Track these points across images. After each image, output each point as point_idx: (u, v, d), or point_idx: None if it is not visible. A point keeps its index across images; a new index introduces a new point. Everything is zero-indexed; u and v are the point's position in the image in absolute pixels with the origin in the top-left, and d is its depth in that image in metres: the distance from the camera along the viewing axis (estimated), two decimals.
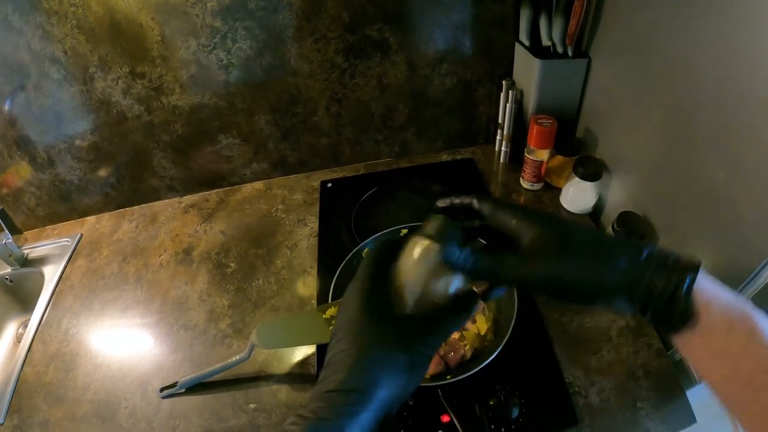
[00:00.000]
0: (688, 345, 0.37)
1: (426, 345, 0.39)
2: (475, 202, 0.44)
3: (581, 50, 0.94)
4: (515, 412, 0.70)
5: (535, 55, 0.93)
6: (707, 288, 0.36)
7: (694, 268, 0.35)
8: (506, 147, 1.12)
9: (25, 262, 1.08)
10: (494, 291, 0.43)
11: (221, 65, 0.97)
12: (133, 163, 1.11)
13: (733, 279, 0.62)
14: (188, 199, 1.20)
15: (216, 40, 0.93)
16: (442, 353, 0.75)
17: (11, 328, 1.11)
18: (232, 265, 1.00)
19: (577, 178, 0.95)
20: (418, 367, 0.38)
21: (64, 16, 0.87)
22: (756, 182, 0.57)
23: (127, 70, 0.95)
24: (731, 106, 0.59)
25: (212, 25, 0.91)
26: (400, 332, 0.38)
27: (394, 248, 0.44)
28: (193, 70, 0.97)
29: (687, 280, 0.34)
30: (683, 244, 0.75)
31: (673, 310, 0.35)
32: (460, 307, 0.41)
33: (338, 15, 0.93)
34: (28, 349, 0.91)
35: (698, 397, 0.73)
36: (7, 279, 1.08)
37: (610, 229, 0.84)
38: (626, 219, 0.84)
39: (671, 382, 0.72)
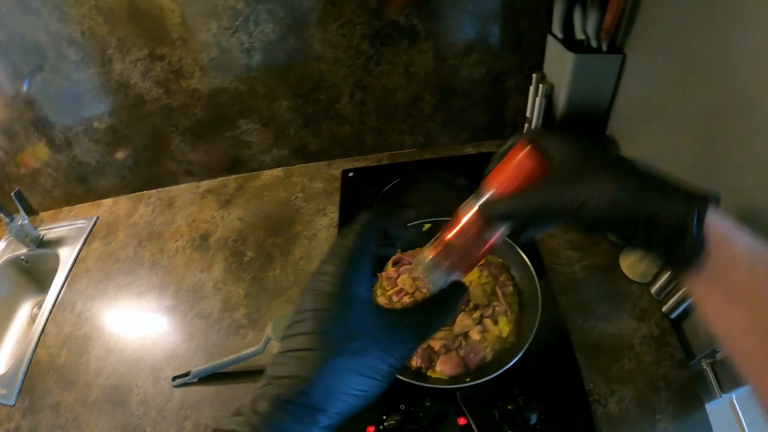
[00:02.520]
0: (701, 288, 0.34)
1: (405, 350, 0.35)
2: (517, 137, 0.42)
3: (616, 45, 0.90)
4: (533, 419, 0.69)
5: (569, 49, 0.89)
6: (724, 224, 0.33)
7: (706, 198, 0.33)
8: None
9: (40, 243, 1.08)
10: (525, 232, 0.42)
11: (243, 48, 0.94)
12: (151, 146, 1.10)
13: None
14: (206, 184, 1.18)
15: (238, 22, 0.91)
16: (463, 354, 0.73)
17: (26, 307, 1.11)
18: (249, 253, 0.99)
19: None
20: (392, 375, 0.34)
21: None
22: None
23: (146, 52, 0.94)
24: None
25: (234, 8, 0.89)
26: (376, 335, 0.34)
27: (382, 218, 0.40)
28: (213, 53, 0.95)
29: (698, 210, 0.32)
30: None
31: (683, 242, 0.32)
32: (446, 301, 0.39)
33: None
34: (42, 331, 0.91)
35: (717, 411, 0.71)
36: (22, 259, 1.08)
37: None
38: None
39: (691, 394, 0.70)
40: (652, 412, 0.68)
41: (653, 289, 0.83)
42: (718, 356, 0.71)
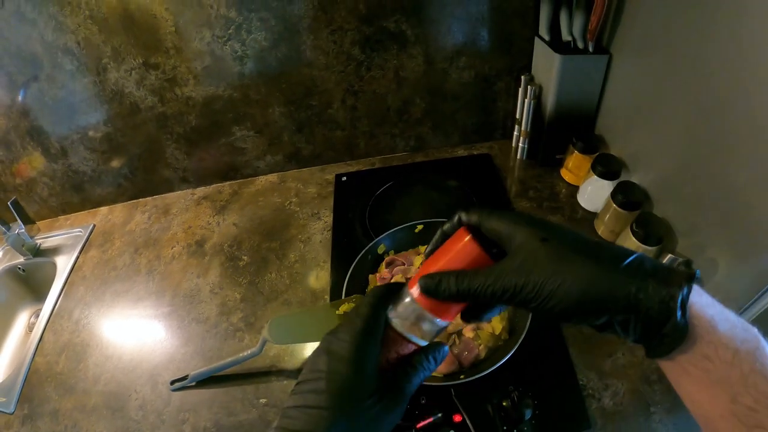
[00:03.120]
0: (680, 372, 0.32)
1: (402, 412, 0.38)
2: (462, 216, 0.40)
3: (602, 46, 0.92)
4: (528, 414, 0.69)
5: (555, 50, 0.91)
6: (706, 304, 0.31)
7: (689, 279, 0.30)
8: (524, 143, 1.10)
9: (37, 252, 1.08)
10: (484, 314, 0.41)
11: (236, 56, 0.96)
12: (146, 154, 1.10)
13: (755, 287, 0.60)
14: (201, 190, 1.19)
15: (230, 31, 0.92)
16: (456, 352, 0.74)
17: (23, 317, 1.11)
18: (245, 258, 1.00)
19: (596, 177, 0.94)
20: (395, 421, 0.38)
21: (78, 7, 0.86)
22: None
23: (141, 61, 0.95)
24: (758, 106, 0.57)
25: (227, 16, 0.90)
26: (384, 395, 0.36)
27: (391, 293, 0.41)
28: (207, 62, 0.96)
29: (682, 292, 0.30)
30: (703, 248, 0.73)
31: (663, 328, 0.30)
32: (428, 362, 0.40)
33: (355, 6, 0.91)
34: (40, 339, 0.92)
35: None
36: (19, 268, 1.08)
37: (629, 230, 0.83)
38: (645, 220, 0.82)
39: None
40: (646, 405, 0.69)
41: None
42: None
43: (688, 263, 0.76)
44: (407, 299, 0.39)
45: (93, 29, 0.89)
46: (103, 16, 0.88)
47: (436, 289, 0.37)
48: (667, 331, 0.30)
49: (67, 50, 0.92)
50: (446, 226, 0.41)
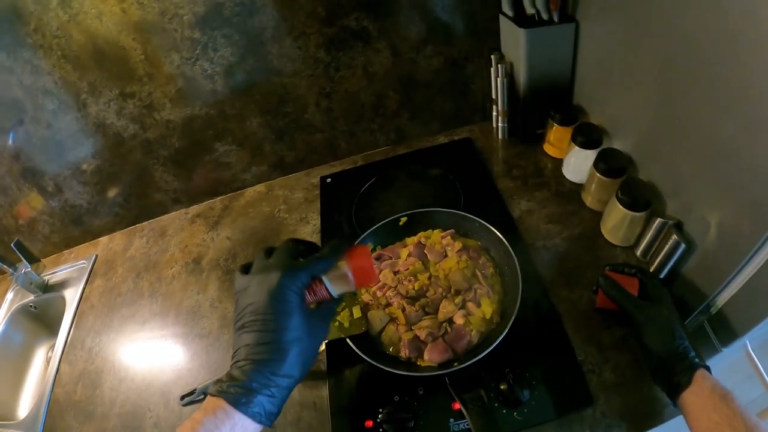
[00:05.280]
0: (685, 403, 0.58)
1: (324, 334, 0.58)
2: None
3: (568, 14, 0.90)
4: (526, 395, 0.69)
5: (519, 25, 0.90)
6: (706, 373, 0.59)
7: (703, 366, 0.60)
8: (503, 122, 1.09)
9: (46, 288, 1.13)
10: None
11: (206, 75, 0.97)
12: (137, 180, 1.13)
13: (751, 235, 0.58)
14: (194, 209, 1.22)
15: (197, 51, 0.94)
16: (449, 340, 0.74)
17: (41, 352, 1.16)
18: None
19: (577, 148, 0.92)
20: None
21: (49, 49, 0.89)
22: (766, 130, 0.53)
23: (117, 92, 0.97)
24: (735, 50, 0.54)
25: (191, 37, 0.92)
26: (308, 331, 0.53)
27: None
28: (180, 84, 0.98)
29: (695, 369, 0.59)
30: (691, 207, 0.71)
31: (681, 382, 0.59)
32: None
33: (313, 10, 0.91)
34: (57, 371, 0.95)
35: (721, 363, 0.71)
36: (31, 306, 1.12)
37: (615, 198, 0.81)
38: (630, 186, 0.81)
39: None
40: (649, 376, 0.67)
41: (638, 251, 0.83)
42: (713, 310, 0.71)
43: (678, 225, 0.74)
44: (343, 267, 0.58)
45: (67, 68, 0.92)
46: (74, 54, 0.90)
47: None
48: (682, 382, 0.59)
49: (46, 91, 0.94)
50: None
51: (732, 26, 0.53)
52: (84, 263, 1.15)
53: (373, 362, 0.72)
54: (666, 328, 0.64)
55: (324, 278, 0.57)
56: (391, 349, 0.76)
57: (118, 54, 0.91)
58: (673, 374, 0.60)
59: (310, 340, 0.53)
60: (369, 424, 0.71)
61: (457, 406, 0.70)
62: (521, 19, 0.92)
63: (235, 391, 0.48)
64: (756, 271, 0.60)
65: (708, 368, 0.60)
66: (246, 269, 0.57)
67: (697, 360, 0.60)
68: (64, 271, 1.15)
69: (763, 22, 0.49)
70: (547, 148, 1.04)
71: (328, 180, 1.15)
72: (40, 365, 1.14)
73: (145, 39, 0.90)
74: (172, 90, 0.98)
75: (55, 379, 0.94)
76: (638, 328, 0.66)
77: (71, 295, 1.08)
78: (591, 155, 0.90)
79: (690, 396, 0.57)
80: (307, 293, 0.56)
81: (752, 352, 0.71)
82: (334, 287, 0.58)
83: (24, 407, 1.06)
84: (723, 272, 0.65)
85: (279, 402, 0.51)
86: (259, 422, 0.49)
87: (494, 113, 1.10)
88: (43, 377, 1.10)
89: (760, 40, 0.50)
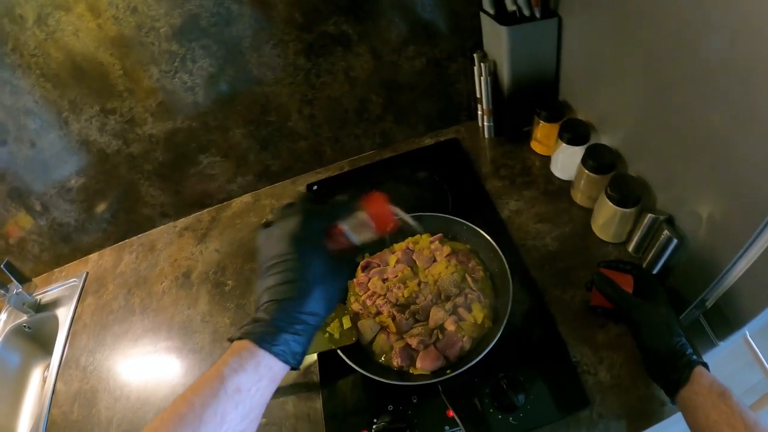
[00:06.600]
0: (684, 400, 0.58)
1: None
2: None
3: (550, 10, 0.89)
4: (521, 400, 0.68)
5: (501, 23, 0.89)
6: (706, 373, 0.58)
7: (699, 362, 0.60)
8: (488, 122, 1.08)
9: (38, 307, 1.12)
10: None
11: (186, 87, 0.96)
12: (124, 196, 1.12)
13: (745, 227, 0.57)
14: (182, 222, 1.21)
15: (176, 63, 0.92)
16: (440, 347, 0.73)
17: (37, 372, 1.15)
18: (230, 282, 1.01)
19: (565, 144, 0.91)
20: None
21: (28, 68, 0.87)
22: (756, 119, 0.52)
23: (98, 108, 0.96)
24: (712, 41, 0.54)
25: (169, 50, 0.90)
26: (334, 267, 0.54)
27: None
28: (160, 97, 0.97)
29: (693, 367, 0.59)
30: (682, 201, 0.70)
31: (680, 379, 0.59)
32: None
33: (290, 16, 0.90)
34: (53, 391, 0.95)
35: (720, 352, 0.71)
36: (25, 326, 1.12)
37: (604, 194, 0.80)
38: (619, 182, 0.80)
39: None
40: (646, 374, 0.67)
41: (630, 248, 0.83)
42: (708, 304, 0.70)
43: (669, 220, 0.74)
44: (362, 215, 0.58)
45: (47, 86, 0.91)
46: (53, 72, 0.89)
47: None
48: (682, 378, 0.59)
49: (27, 111, 0.93)
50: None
51: (717, 16, 0.52)
52: (75, 281, 1.14)
53: (365, 373, 0.71)
54: (662, 325, 0.63)
55: (344, 227, 0.57)
56: (383, 358, 0.76)
57: (96, 70, 0.90)
58: (670, 372, 0.60)
59: (333, 280, 0.53)
60: None
61: (452, 413, 0.69)
62: (502, 16, 0.90)
63: (260, 330, 0.47)
64: (751, 264, 0.59)
65: (706, 365, 0.60)
66: (268, 225, 0.57)
67: (694, 357, 0.60)
68: (55, 290, 1.15)
69: (747, 12, 0.48)
70: (535, 146, 1.03)
71: (315, 187, 1.14)
72: (37, 385, 1.13)
73: (123, 54, 0.89)
74: (152, 104, 0.97)
75: (51, 400, 0.94)
76: (634, 326, 0.66)
77: (64, 314, 1.08)
78: (579, 152, 0.89)
79: (688, 394, 0.57)
80: (330, 243, 0.56)
81: (750, 339, 0.71)
82: (355, 234, 0.58)
83: (23, 429, 1.05)
84: (717, 266, 0.64)
85: (304, 341, 0.50)
86: (284, 361, 0.48)
87: (479, 112, 1.09)
88: (39, 397, 1.09)
89: (745, 29, 0.49)
